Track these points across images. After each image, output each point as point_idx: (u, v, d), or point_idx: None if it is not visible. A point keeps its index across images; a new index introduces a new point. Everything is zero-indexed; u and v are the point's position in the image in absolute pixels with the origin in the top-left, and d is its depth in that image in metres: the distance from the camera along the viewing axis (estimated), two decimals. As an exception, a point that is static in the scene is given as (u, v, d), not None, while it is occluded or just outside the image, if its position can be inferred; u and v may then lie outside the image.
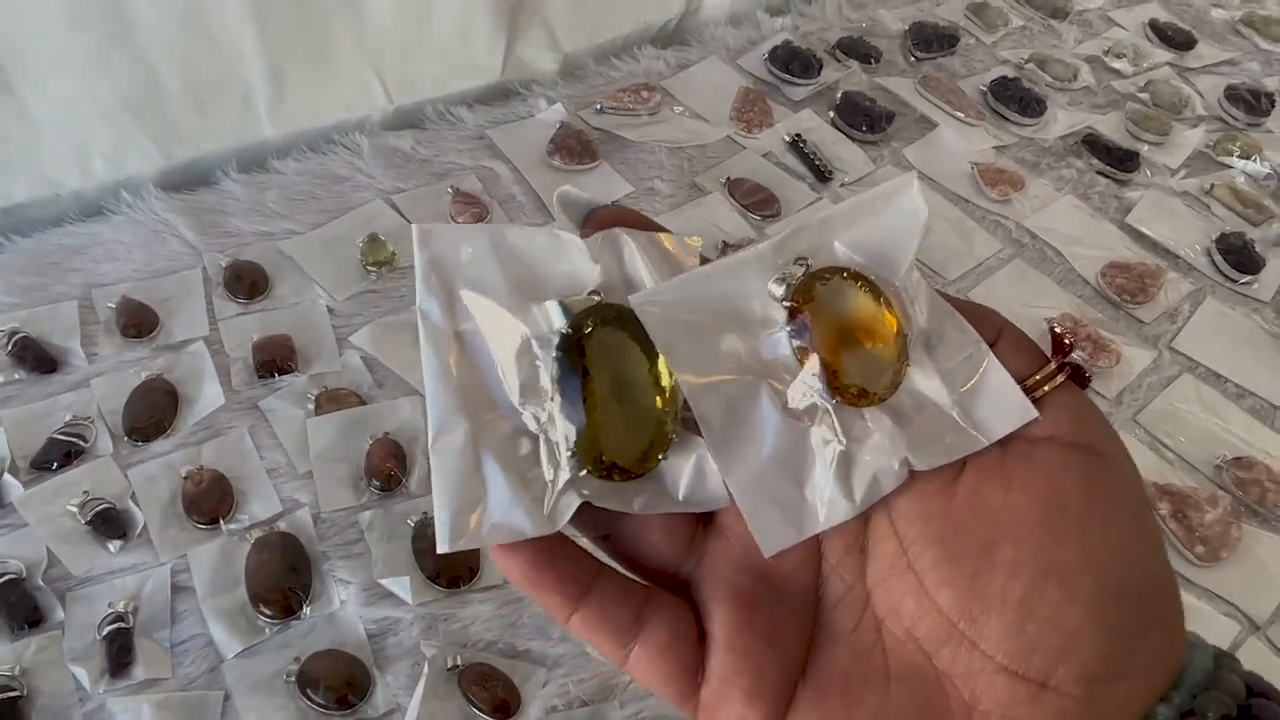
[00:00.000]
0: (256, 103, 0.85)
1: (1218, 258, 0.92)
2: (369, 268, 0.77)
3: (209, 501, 0.61)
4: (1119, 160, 1.00)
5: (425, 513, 0.62)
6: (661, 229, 0.25)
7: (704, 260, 0.25)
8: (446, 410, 0.23)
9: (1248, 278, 0.91)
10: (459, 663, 0.56)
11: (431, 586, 0.59)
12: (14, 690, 0.52)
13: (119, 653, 0.54)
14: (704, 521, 0.25)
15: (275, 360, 0.69)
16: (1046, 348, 0.25)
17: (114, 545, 0.59)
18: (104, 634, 0.55)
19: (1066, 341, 0.24)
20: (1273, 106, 1.12)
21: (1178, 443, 0.76)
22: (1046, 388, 0.23)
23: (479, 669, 0.56)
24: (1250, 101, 1.11)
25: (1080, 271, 0.89)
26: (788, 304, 0.24)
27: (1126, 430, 0.76)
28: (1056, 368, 0.24)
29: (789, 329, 0.24)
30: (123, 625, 0.55)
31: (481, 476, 0.22)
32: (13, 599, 0.56)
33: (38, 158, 0.77)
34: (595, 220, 0.25)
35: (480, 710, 0.54)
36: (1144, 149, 1.04)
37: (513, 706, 0.55)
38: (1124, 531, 0.22)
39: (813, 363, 0.23)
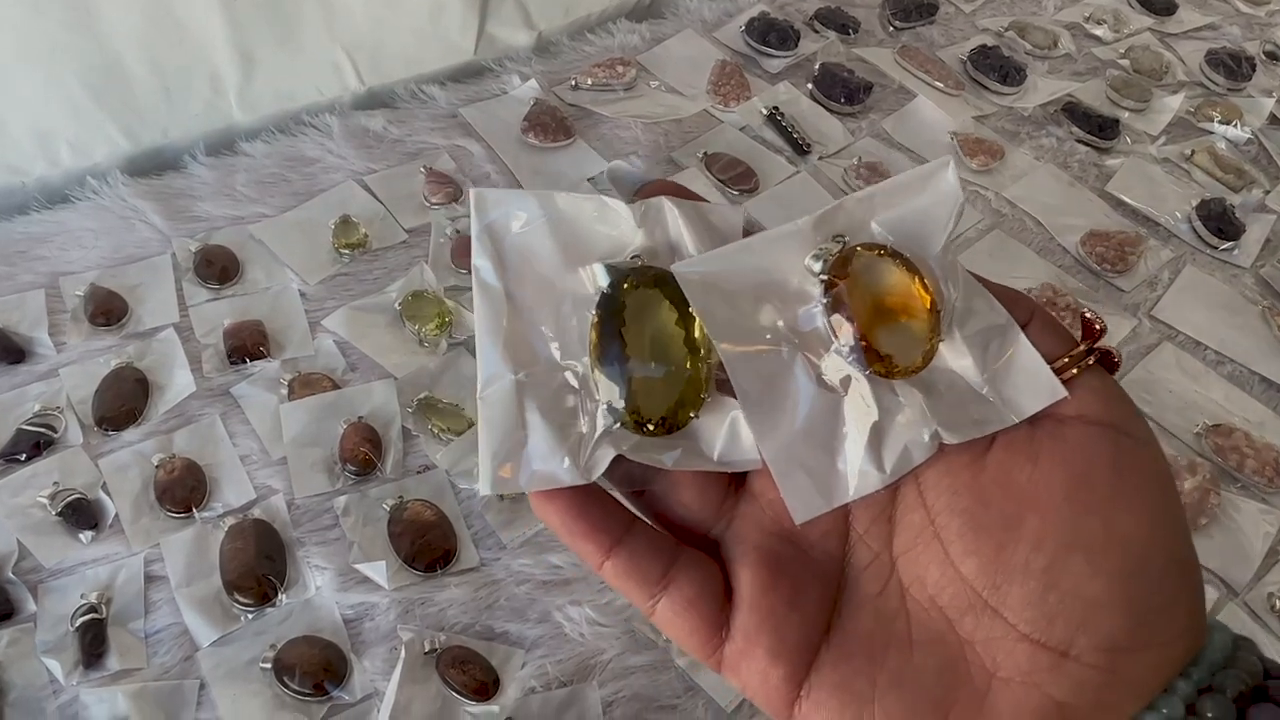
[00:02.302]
0: (225, 87, 0.84)
1: (1198, 224, 0.91)
2: (341, 251, 0.76)
3: (181, 490, 0.61)
4: (1099, 128, 0.99)
5: (401, 497, 0.62)
6: (705, 200, 0.26)
7: (748, 232, 0.25)
8: (495, 362, 0.24)
9: (1228, 244, 0.90)
10: (436, 646, 0.56)
11: (408, 570, 0.59)
12: (-14, 684, 0.52)
13: (92, 644, 0.54)
14: (736, 485, 0.25)
15: (247, 346, 0.68)
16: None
17: (86, 536, 0.58)
18: (77, 625, 0.54)
19: (1097, 326, 0.25)
20: (1253, 71, 1.11)
21: (1158, 411, 0.76)
22: (1076, 369, 0.24)
23: (456, 652, 0.56)
24: (1231, 66, 1.11)
25: (1060, 241, 0.88)
26: (824, 278, 0.24)
27: (1106, 399, 0.76)
28: (1086, 350, 0.24)
29: (825, 302, 0.24)
30: (96, 616, 0.55)
31: (524, 426, 0.24)
32: (-17, 592, 0.55)
33: (2, 146, 0.76)
34: (646, 192, 0.26)
35: (458, 693, 0.54)
36: (1124, 116, 1.03)
37: (491, 688, 0.55)
38: (1149, 510, 0.23)
39: (847, 335, 0.24)
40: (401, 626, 0.57)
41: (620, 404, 0.24)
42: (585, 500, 0.23)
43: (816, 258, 0.24)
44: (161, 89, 0.80)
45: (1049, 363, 0.24)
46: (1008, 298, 0.25)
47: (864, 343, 0.24)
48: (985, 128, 0.98)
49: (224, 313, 0.71)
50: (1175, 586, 0.23)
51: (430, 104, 0.89)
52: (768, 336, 0.24)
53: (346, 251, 0.76)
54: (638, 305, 0.24)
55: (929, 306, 0.24)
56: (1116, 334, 0.81)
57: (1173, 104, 1.06)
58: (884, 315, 0.24)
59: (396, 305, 0.72)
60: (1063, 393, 0.24)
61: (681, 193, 0.26)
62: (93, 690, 0.53)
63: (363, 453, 0.63)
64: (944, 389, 0.24)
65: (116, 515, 0.60)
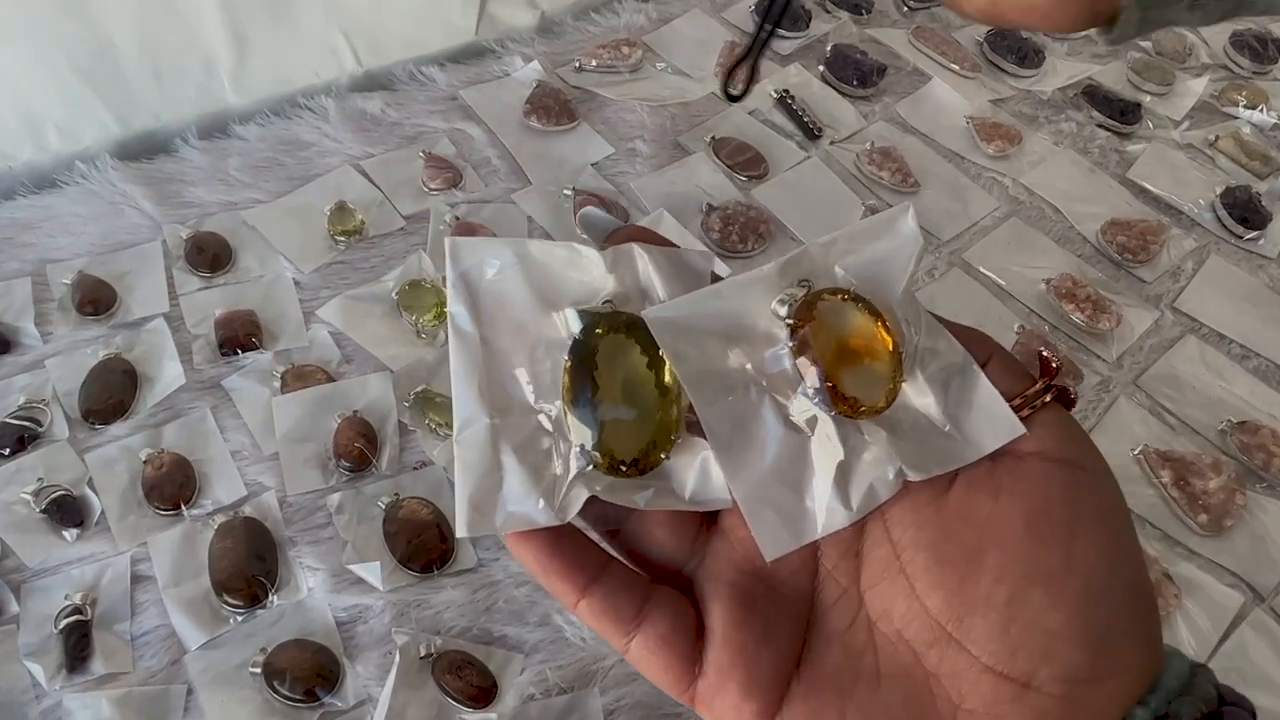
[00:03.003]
0: (218, 69, 0.81)
1: (1222, 213, 0.88)
2: (337, 238, 0.74)
3: (170, 486, 0.59)
4: (1120, 112, 0.96)
5: (397, 494, 0.60)
6: (674, 245, 0.27)
7: (715, 278, 0.26)
8: (470, 406, 0.25)
9: (1253, 233, 0.87)
10: (432, 650, 0.54)
11: (403, 571, 0.57)
12: (-34, 688, 0.50)
13: (77, 646, 0.52)
14: (707, 523, 0.26)
15: (239, 336, 0.66)
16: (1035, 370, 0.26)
17: (70, 534, 0.57)
18: (61, 627, 0.53)
19: (1053, 365, 0.26)
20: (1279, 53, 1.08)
21: (1180, 407, 0.73)
22: (1034, 407, 0.25)
23: (453, 657, 0.54)
24: (1256, 48, 1.07)
25: (1080, 229, 0.85)
26: (790, 322, 0.25)
27: (1127, 395, 0.74)
28: (1043, 388, 0.25)
29: (791, 345, 0.25)
30: (80, 618, 0.53)
31: (500, 469, 0.24)
32: (-36, 592, 0.53)
33: (-13, 128, 0.74)
34: (617, 238, 0.26)
35: (455, 700, 0.52)
36: (1146, 100, 1.00)
37: (489, 695, 0.53)
38: (1106, 541, 0.23)
39: (813, 377, 0.25)
40: (396, 630, 0.55)
41: (593, 446, 0.24)
42: (560, 540, 0.24)
43: (782, 302, 0.25)
44: (153, 71, 0.78)
45: (1008, 400, 0.25)
46: (968, 337, 0.26)
47: (829, 384, 0.24)
48: (1002, 111, 0.95)
49: (215, 302, 0.69)
50: (1132, 615, 0.23)
51: (430, 86, 0.87)
52: (736, 379, 0.25)
53: (342, 239, 0.74)
54: (609, 350, 0.25)
55: (891, 348, 0.25)
56: (1138, 326, 0.78)
57: (1196, 87, 1.02)
58: (848, 357, 0.25)
59: (394, 295, 0.70)
60: (1021, 429, 0.24)
61: (652, 239, 0.27)
62: (76, 695, 0.51)
63: (357, 448, 0.61)
64: (908, 427, 0.25)
65: (103, 512, 0.58)
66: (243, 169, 0.78)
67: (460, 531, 0.24)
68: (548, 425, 0.25)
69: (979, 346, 0.26)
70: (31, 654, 0.52)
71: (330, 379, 0.65)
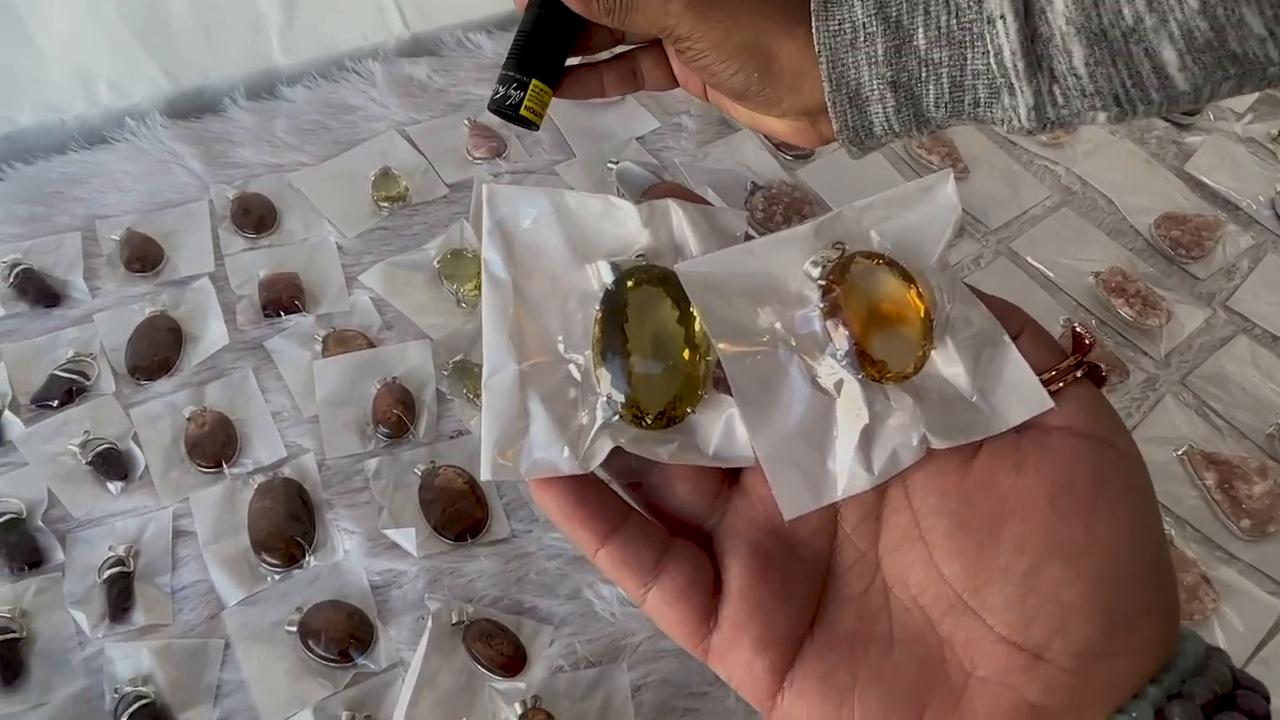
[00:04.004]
0: (267, 27, 0.81)
1: (1282, 210, 0.86)
2: (380, 204, 0.74)
3: (212, 444, 0.60)
4: (1180, 102, 0.93)
5: (433, 461, 0.60)
6: (708, 204, 0.27)
7: (748, 237, 0.26)
8: (500, 352, 0.25)
9: (1313, 233, 0.85)
10: (464, 618, 0.54)
11: (437, 538, 0.58)
12: (13, 632, 0.51)
13: (119, 597, 0.53)
14: (729, 480, 0.26)
15: (282, 299, 0.67)
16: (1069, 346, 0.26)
17: (115, 486, 0.58)
18: (104, 577, 0.54)
19: (1087, 341, 0.25)
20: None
21: (1228, 409, 0.72)
22: (1064, 382, 0.24)
23: (484, 625, 0.54)
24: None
25: (1132, 222, 0.84)
26: (822, 283, 0.25)
27: (1174, 394, 0.72)
28: (1075, 364, 0.25)
29: (822, 306, 0.25)
30: (123, 569, 0.54)
31: (527, 415, 0.24)
32: (13, 539, 0.55)
33: (41, 83, 0.74)
34: (652, 194, 0.27)
35: (485, 668, 0.53)
36: (1208, 91, 0.97)
37: (518, 664, 0.54)
38: (1129, 519, 0.23)
39: (842, 339, 0.25)
40: (429, 596, 0.55)
41: (620, 397, 0.25)
42: (583, 489, 0.24)
43: (815, 264, 0.25)
44: (202, 27, 0.78)
45: (1038, 374, 0.25)
46: (1001, 309, 0.26)
47: (858, 347, 0.24)
48: (1058, 98, 0.93)
49: (260, 263, 0.69)
50: (1151, 595, 0.23)
51: (476, 53, 0.86)
52: (765, 338, 0.25)
53: (386, 205, 0.74)
54: (640, 302, 0.25)
55: (923, 315, 0.25)
56: (1188, 324, 0.77)
57: (1261, 79, 0.99)
58: (879, 321, 0.25)
59: (435, 263, 0.70)
60: (1050, 403, 0.24)
61: (688, 196, 0.27)
62: (118, 644, 0.52)
63: (395, 415, 0.62)
64: (934, 395, 0.25)
65: (146, 467, 0.59)
66: (289, 131, 0.78)
67: (484, 475, 0.24)
68: (576, 375, 0.25)
69: (1011, 318, 0.26)
70: (76, 602, 0.53)
71: (370, 345, 0.66)
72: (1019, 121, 0.36)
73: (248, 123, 0.78)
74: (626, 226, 0.26)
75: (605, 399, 0.25)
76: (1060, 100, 0.36)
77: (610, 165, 0.78)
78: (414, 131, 0.79)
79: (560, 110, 0.83)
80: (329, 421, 0.62)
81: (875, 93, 0.37)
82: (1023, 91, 0.35)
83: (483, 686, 0.53)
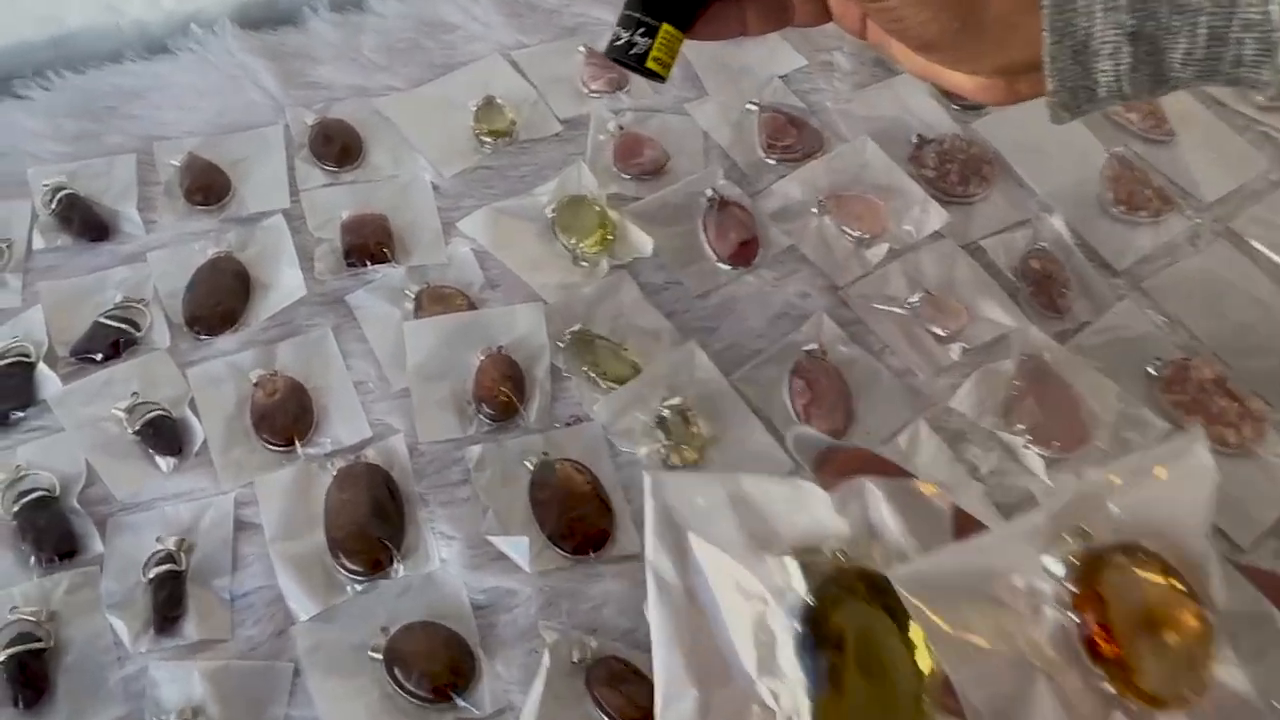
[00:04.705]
0: (355, -74, 0.70)
1: None
2: (483, 139, 0.63)
3: (283, 417, 0.49)
4: None
5: (547, 453, 0.49)
6: (907, 473, 0.25)
7: (957, 511, 0.24)
8: (675, 677, 0.23)
9: None
10: (586, 655, 0.44)
11: (555, 552, 0.47)
12: (39, 640, 0.42)
13: (167, 603, 0.43)
14: None
15: (368, 245, 0.56)
16: None
17: (166, 463, 0.48)
18: (150, 577, 0.44)
19: None
20: None
21: None
22: None
23: (612, 665, 0.44)
24: None
25: (1374, 204, 0.70)
26: (1071, 587, 0.22)
27: None
28: None
29: (1075, 620, 0.22)
30: (173, 567, 0.44)
31: None
32: (42, 522, 0.45)
33: (95, -23, 0.64)
34: (833, 462, 0.26)
35: (613, 720, 0.42)
36: None
37: (654, 717, 0.43)
38: None
39: (1103, 656, 0.22)
40: (544, 624, 0.44)
41: None
42: None
43: (1058, 561, 0.22)
44: (283, -77, 0.67)
45: None
46: (1270, 585, 0.23)
47: (1125, 669, 0.22)
48: None
49: (342, 202, 0.59)
50: None
51: (595, -31, 0.74)
52: (1004, 654, 0.22)
53: (489, 140, 0.63)
54: (848, 619, 0.23)
55: (1199, 621, 0.22)
56: None
57: None
58: (1146, 636, 0.22)
59: (549, 212, 0.59)
60: None
61: (879, 467, 0.25)
62: (164, 663, 0.42)
63: (503, 393, 0.51)
64: (1217, 716, 0.22)
65: (205, 441, 0.49)
66: (378, 50, 0.67)
67: None
68: (770, 703, 0.23)
69: None
70: (115, 605, 0.43)
71: (472, 306, 0.55)
72: None
73: (331, 37, 0.67)
74: (817, 515, 0.24)
75: None
76: None
77: (749, 109, 0.66)
78: (521, 57, 0.68)
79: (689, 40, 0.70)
80: (422, 397, 0.51)
81: (1109, 45, 0.31)
82: None
83: (611, 744, 0.42)
